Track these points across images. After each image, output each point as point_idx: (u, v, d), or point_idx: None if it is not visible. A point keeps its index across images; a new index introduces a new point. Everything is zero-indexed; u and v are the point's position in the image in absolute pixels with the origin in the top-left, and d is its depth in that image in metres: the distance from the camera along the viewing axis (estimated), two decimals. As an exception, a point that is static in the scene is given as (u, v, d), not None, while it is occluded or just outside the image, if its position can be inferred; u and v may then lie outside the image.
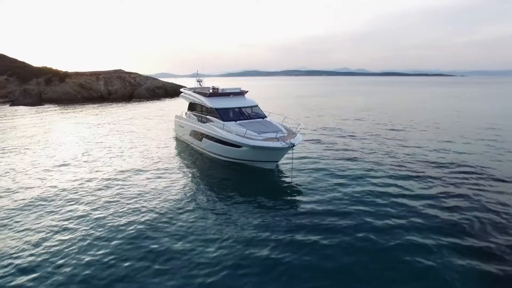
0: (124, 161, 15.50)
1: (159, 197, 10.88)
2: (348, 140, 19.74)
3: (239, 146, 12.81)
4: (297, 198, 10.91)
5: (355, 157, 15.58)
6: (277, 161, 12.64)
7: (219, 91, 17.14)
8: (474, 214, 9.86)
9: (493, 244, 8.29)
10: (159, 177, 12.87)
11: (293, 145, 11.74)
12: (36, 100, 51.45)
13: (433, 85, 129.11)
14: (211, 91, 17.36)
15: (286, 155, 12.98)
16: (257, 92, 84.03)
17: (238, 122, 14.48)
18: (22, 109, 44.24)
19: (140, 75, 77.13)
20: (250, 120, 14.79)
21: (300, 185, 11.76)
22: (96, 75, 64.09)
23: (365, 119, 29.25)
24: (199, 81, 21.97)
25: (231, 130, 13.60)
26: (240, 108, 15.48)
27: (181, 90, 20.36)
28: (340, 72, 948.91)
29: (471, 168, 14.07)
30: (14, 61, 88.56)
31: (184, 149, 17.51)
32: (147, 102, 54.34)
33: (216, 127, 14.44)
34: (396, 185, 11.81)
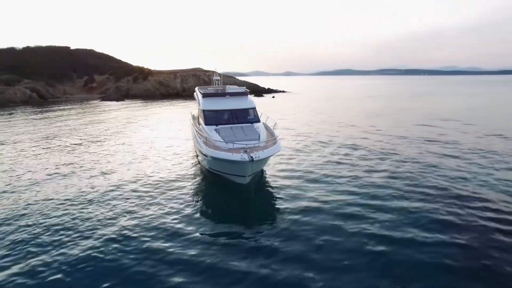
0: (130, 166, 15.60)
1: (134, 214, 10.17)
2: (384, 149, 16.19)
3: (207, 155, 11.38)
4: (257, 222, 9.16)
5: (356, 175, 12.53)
6: (244, 176, 10.64)
7: (226, 91, 15.88)
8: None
9: None
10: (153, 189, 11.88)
11: (252, 160, 9.68)
12: (120, 96, 58.04)
13: None
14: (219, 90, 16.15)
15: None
16: (347, 91, 79.72)
17: (219, 126, 12.98)
18: (108, 104, 50.46)
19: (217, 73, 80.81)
20: (233, 125, 13.12)
21: (264, 205, 9.87)
22: (174, 73, 69.32)
23: (427, 127, 24.00)
24: (216, 80, 20.98)
25: (201, 136, 12.24)
26: (230, 110, 13.91)
27: (196, 88, 19.68)
28: (445, 71, 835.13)
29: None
30: (119, 61, 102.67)
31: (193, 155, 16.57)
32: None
33: (195, 131, 13.27)
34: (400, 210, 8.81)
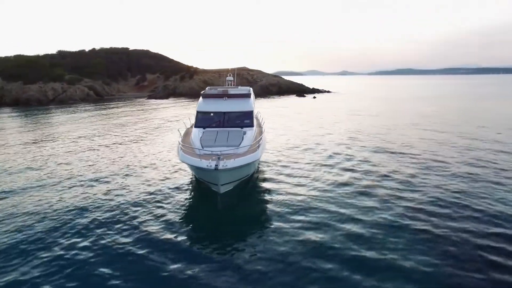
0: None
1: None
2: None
3: None
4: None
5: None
6: (216, 184, 10.13)
7: (228, 92, 15.60)
8: None
9: None
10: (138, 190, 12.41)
11: (216, 169, 9.18)
12: (167, 94, 60.97)
13: None
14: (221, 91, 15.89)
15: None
16: (399, 92, 74.79)
17: (206, 129, 12.66)
18: (153, 102, 53.48)
19: (261, 72, 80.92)
20: (220, 129, 12.64)
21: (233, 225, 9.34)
22: (218, 72, 70.86)
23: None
24: (229, 80, 20.66)
25: (181, 139, 12.10)
26: (224, 112, 13.48)
27: (207, 88, 19.61)
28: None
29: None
30: (171, 60, 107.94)
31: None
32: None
33: (179, 134, 13.09)
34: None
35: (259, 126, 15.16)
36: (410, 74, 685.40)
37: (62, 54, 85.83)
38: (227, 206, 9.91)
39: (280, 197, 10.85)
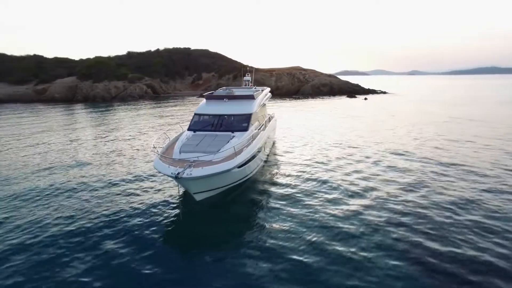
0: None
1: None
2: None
3: None
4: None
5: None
6: (191, 192, 9.60)
7: (234, 94, 15.16)
8: None
9: None
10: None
11: (176, 177, 8.68)
12: (216, 93, 62.53)
13: None
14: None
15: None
16: (470, 93, 66.91)
17: (196, 132, 12.24)
18: (200, 100, 55.36)
19: (315, 72, 78.41)
20: (209, 132, 12.09)
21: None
22: (270, 71, 70.60)
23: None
24: (246, 80, 19.97)
25: (168, 142, 11.89)
26: (220, 115, 12.91)
27: (220, 89, 19.31)
28: None
29: None
30: (229, 59, 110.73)
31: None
32: (300, 100, 54.91)
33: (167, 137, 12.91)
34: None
35: (264, 129, 14.33)
36: (495, 73, 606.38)
37: (130, 55, 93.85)
38: (192, 215, 9.48)
39: (266, 204, 10.18)
